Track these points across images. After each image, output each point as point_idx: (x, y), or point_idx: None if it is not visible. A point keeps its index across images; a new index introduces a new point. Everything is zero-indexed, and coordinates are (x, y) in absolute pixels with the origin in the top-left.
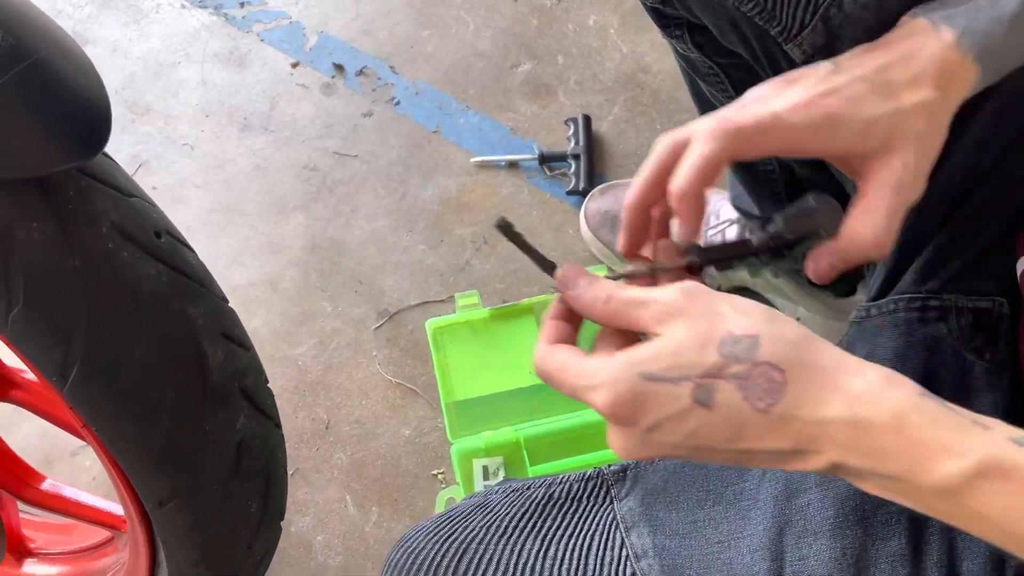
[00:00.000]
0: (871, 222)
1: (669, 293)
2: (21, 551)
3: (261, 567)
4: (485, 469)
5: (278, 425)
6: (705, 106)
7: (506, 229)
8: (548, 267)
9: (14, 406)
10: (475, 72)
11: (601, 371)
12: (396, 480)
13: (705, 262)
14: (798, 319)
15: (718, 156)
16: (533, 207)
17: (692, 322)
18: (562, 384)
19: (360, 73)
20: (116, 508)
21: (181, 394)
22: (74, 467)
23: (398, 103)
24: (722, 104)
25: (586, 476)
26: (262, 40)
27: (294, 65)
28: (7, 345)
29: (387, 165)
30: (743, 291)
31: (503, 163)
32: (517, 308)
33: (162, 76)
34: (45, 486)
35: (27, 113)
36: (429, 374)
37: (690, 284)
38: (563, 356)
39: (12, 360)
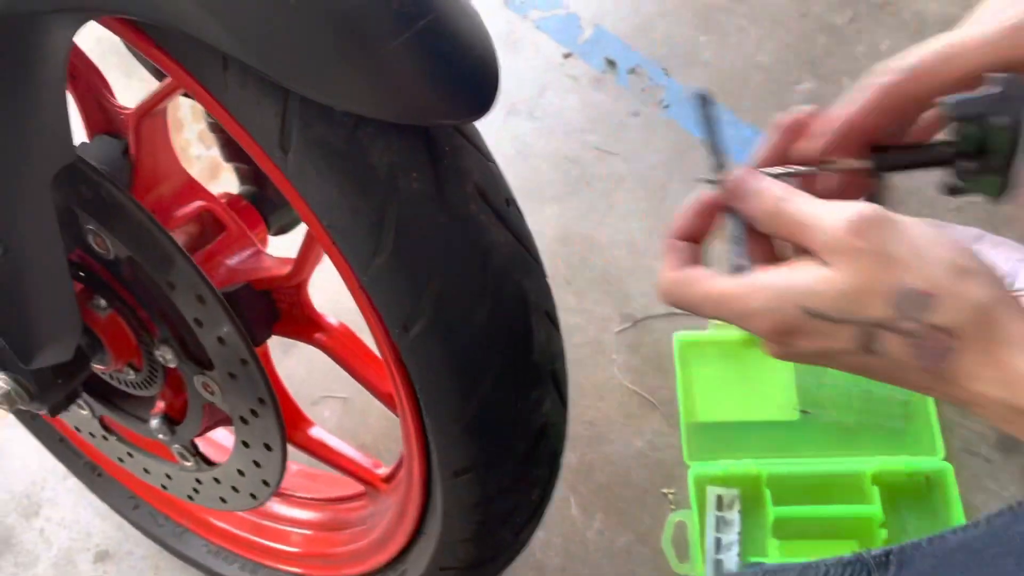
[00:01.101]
0: None
1: (840, 222)
2: None
3: (515, 557)
4: (720, 499)
5: (566, 416)
6: None
7: (704, 100)
8: (719, 163)
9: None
10: (752, 84)
11: (756, 296)
12: (623, 490)
13: (882, 168)
14: None
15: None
16: None
17: (864, 264)
18: (706, 312)
19: (632, 71)
20: (376, 466)
21: (505, 366)
22: (313, 417)
23: (667, 106)
24: None
25: (844, 561)
26: (537, 27)
27: (566, 56)
28: (355, 293)
29: (648, 167)
30: None
31: None
32: None
33: None
34: (313, 432)
35: (427, 63)
36: (669, 388)
37: (866, 211)
38: (703, 285)
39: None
